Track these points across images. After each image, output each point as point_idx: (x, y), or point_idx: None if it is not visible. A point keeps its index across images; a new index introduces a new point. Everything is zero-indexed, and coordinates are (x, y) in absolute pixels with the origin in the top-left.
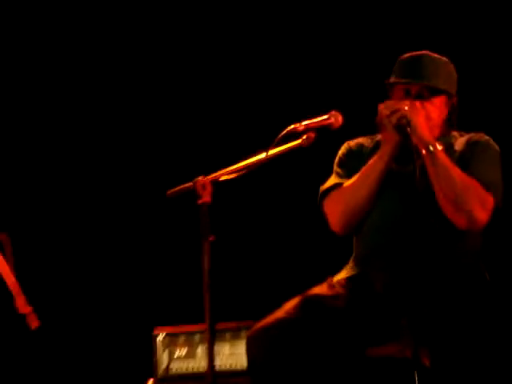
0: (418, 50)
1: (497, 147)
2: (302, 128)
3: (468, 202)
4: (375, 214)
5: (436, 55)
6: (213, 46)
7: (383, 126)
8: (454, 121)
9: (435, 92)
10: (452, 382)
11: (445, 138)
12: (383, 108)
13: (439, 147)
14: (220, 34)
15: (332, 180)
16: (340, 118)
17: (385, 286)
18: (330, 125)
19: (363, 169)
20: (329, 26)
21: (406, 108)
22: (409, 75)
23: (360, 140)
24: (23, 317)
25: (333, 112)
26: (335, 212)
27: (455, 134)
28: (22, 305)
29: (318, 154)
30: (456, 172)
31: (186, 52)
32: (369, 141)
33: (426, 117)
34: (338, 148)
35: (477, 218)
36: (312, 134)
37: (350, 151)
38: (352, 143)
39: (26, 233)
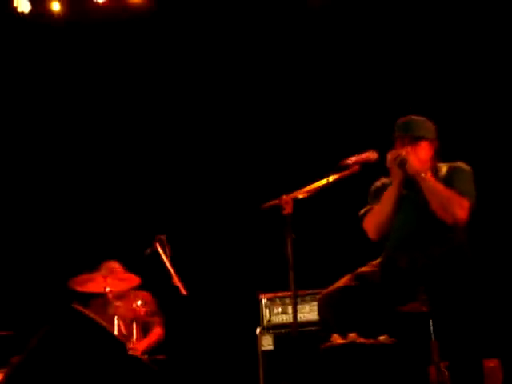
0: (409, 115)
1: (469, 168)
2: (350, 162)
3: (450, 206)
4: (396, 222)
5: (419, 117)
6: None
7: (391, 167)
8: (438, 155)
9: (420, 139)
10: (452, 326)
11: (434, 169)
12: (390, 155)
13: (427, 174)
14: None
15: (367, 207)
16: (376, 155)
17: (406, 264)
18: (369, 160)
19: (384, 196)
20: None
21: (403, 153)
22: (402, 131)
23: (382, 180)
24: (177, 288)
25: (371, 150)
26: (370, 226)
27: (441, 164)
28: (176, 280)
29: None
30: (440, 187)
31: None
32: (388, 180)
33: (417, 156)
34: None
35: (458, 216)
36: (357, 167)
37: (376, 187)
38: (378, 182)
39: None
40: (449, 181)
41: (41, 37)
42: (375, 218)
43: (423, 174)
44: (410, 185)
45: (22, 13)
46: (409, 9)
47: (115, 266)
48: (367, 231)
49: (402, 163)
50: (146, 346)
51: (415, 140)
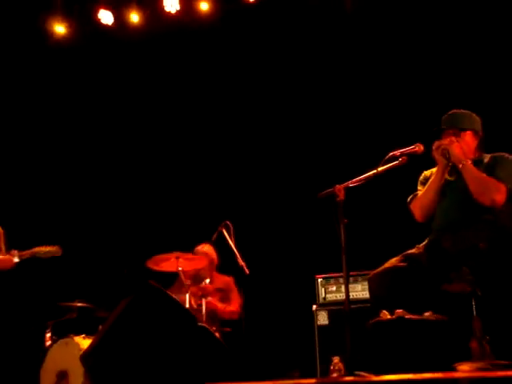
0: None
1: (511, 157)
2: (398, 154)
3: (488, 190)
4: (440, 206)
5: (464, 110)
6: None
7: (436, 155)
8: (483, 147)
9: (464, 130)
10: (494, 305)
11: (478, 158)
12: (435, 145)
13: (468, 162)
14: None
15: (414, 193)
16: (422, 148)
17: (450, 246)
18: (415, 152)
19: (429, 182)
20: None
21: (446, 142)
22: (446, 124)
23: (431, 169)
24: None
25: (418, 143)
26: (416, 209)
27: (485, 155)
28: (240, 261)
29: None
30: (479, 174)
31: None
32: (435, 170)
33: (460, 146)
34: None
35: (495, 199)
36: (405, 158)
37: (425, 176)
38: (427, 172)
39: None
40: (490, 169)
41: (120, 46)
42: (420, 202)
43: (464, 162)
44: (455, 172)
45: (106, 24)
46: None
47: (208, 248)
48: (414, 214)
49: (445, 152)
50: (219, 309)
51: (459, 131)
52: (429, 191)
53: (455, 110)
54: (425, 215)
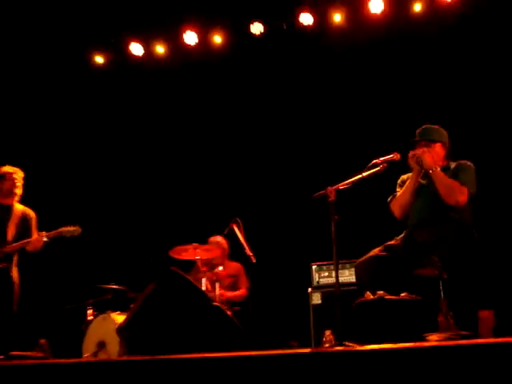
0: (426, 124)
1: (472, 165)
2: (379, 161)
3: (453, 192)
4: (414, 206)
5: (434, 125)
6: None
7: (411, 163)
8: (450, 155)
9: (434, 142)
10: (457, 286)
11: (446, 165)
12: (410, 154)
13: (437, 169)
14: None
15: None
16: (399, 156)
17: (422, 239)
18: (393, 159)
19: (405, 185)
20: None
21: (419, 152)
22: (419, 136)
23: (408, 174)
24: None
25: (395, 153)
26: (395, 208)
27: (451, 162)
28: (248, 251)
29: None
30: (446, 179)
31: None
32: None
33: (431, 155)
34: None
35: (459, 200)
36: (385, 165)
37: (402, 179)
38: (404, 176)
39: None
40: (455, 174)
41: (148, 73)
42: (399, 202)
43: (434, 168)
44: (426, 177)
45: (136, 55)
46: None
47: (220, 239)
48: (393, 212)
49: (419, 160)
50: (230, 296)
51: (430, 142)
52: (405, 193)
53: (427, 125)
54: (402, 213)
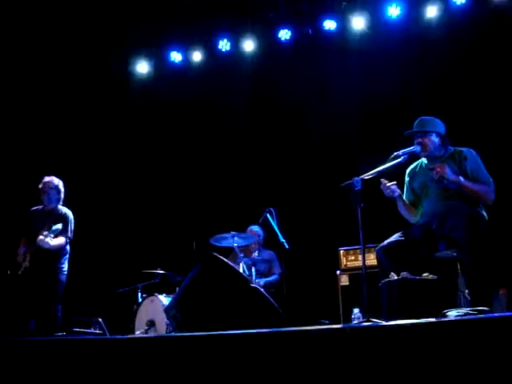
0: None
1: (475, 153)
2: (400, 153)
3: (486, 195)
4: (426, 202)
5: (428, 117)
6: None
7: (385, 194)
8: (446, 143)
9: (428, 131)
10: (473, 267)
11: (444, 153)
12: (383, 185)
13: (461, 179)
14: None
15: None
16: (419, 149)
17: (437, 227)
18: (413, 152)
19: (399, 207)
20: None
21: (438, 169)
22: (415, 128)
23: (415, 162)
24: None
25: (416, 145)
26: (406, 219)
27: (450, 148)
28: (281, 238)
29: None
30: (474, 186)
31: None
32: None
33: (447, 168)
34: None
35: (492, 198)
36: (405, 156)
37: (411, 169)
38: (412, 166)
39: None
40: (459, 161)
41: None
42: (404, 215)
43: (459, 180)
44: (429, 178)
45: (176, 62)
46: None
47: (256, 228)
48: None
49: (442, 178)
50: (265, 282)
51: (425, 133)
52: (404, 213)
53: (422, 117)
54: (413, 218)
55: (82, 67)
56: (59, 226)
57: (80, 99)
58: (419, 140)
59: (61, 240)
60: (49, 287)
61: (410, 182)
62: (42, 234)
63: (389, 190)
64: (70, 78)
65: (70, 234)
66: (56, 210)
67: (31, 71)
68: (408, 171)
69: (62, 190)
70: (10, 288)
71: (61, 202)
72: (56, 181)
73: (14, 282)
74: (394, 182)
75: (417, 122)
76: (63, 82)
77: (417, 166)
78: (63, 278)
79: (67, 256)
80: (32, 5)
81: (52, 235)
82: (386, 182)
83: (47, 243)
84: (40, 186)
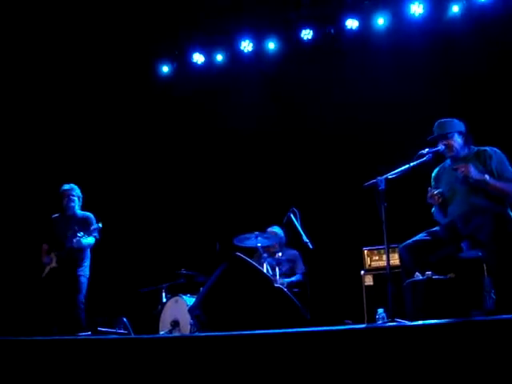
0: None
1: (500, 152)
2: (425, 152)
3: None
4: (453, 202)
5: (447, 118)
6: None
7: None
8: (469, 141)
9: (450, 133)
10: (498, 267)
11: (468, 152)
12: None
13: (486, 177)
14: None
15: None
16: (444, 148)
17: (462, 227)
18: (439, 151)
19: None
20: None
21: (462, 170)
22: (436, 131)
23: (441, 165)
24: (306, 244)
25: (441, 144)
26: (437, 219)
27: (473, 147)
28: (305, 238)
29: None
30: (499, 184)
31: None
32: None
33: (472, 168)
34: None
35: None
36: (430, 156)
37: (436, 172)
38: (437, 169)
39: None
40: (483, 161)
41: (208, 78)
42: (439, 220)
43: (483, 178)
44: (454, 178)
45: (198, 63)
46: None
47: (277, 229)
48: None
49: (466, 178)
50: (288, 282)
51: (447, 135)
52: (438, 218)
53: (440, 120)
54: (443, 219)
55: (108, 70)
56: (92, 226)
57: (104, 103)
58: (444, 142)
59: (91, 240)
60: (74, 286)
61: (435, 186)
62: (77, 236)
63: (433, 199)
64: (93, 83)
65: (97, 234)
66: (76, 214)
67: (55, 76)
68: (433, 176)
69: (81, 195)
70: (35, 291)
71: (79, 208)
72: (76, 188)
73: (38, 284)
74: (440, 190)
75: (436, 125)
76: (82, 87)
77: (440, 169)
78: (87, 276)
79: (90, 255)
80: (61, 6)
81: (86, 236)
82: (433, 190)
83: (81, 243)
84: (61, 193)
